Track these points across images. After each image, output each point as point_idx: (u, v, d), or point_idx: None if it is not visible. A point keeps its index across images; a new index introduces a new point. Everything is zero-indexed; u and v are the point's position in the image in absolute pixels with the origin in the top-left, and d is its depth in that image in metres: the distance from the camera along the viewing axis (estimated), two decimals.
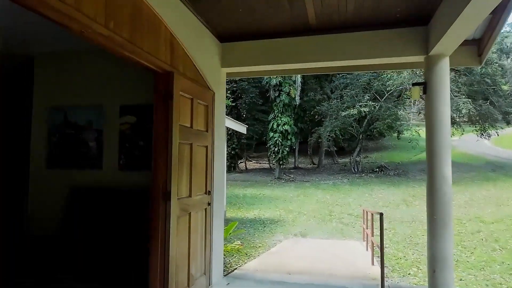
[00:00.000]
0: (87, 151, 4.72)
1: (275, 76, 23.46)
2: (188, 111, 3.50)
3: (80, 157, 4.74)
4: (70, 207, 4.55)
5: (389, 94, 21.93)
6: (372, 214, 6.13)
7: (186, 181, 3.43)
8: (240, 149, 28.05)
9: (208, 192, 3.92)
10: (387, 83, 21.21)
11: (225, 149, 12.11)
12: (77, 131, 4.78)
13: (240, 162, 29.46)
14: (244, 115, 27.35)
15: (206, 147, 3.92)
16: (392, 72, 20.78)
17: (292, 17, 3.80)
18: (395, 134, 24.34)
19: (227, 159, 25.17)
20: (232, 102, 25.86)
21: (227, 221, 10.91)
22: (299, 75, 23.08)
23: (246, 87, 26.94)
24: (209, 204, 3.93)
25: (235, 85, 26.89)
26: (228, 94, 25.95)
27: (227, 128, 13.61)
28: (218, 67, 4.39)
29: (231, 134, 25.47)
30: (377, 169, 22.91)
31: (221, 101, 4.44)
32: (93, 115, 4.74)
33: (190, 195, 3.49)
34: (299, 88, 23.84)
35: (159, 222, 3.08)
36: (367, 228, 7.19)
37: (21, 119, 5.20)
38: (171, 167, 3.11)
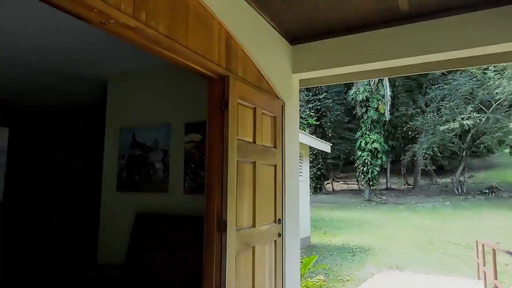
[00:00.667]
0: (154, 173, 4.45)
1: (361, 92, 22.11)
2: (250, 123, 2.93)
3: (147, 179, 4.48)
4: (136, 235, 4.27)
5: (497, 104, 19.03)
6: (493, 250, 4.81)
7: (248, 208, 2.83)
8: (326, 169, 26.86)
9: (278, 221, 3.26)
10: (495, 91, 18.44)
11: (307, 169, 11.35)
12: (144, 152, 4.55)
13: (327, 183, 28.16)
14: (329, 134, 26.26)
15: (275, 166, 3.30)
16: (500, 78, 18.03)
17: (378, 1, 3.05)
18: (507, 150, 20.96)
19: (312, 180, 24.22)
20: (316, 120, 25.03)
21: (310, 248, 10.05)
22: (388, 89, 21.41)
23: (331, 104, 25.95)
24: (279, 235, 3.26)
25: (318, 103, 26.09)
26: (312, 113, 25.21)
27: (310, 147, 12.87)
28: (288, 73, 3.79)
29: (316, 154, 24.54)
30: (487, 190, 19.83)
31: (293, 113, 3.81)
32: (160, 134, 4.48)
33: (253, 225, 2.87)
34: (389, 103, 22.09)
35: (214, 257, 2.50)
36: (484, 266, 5.77)
37: (97, 142, 5.21)
38: (227, 190, 2.54)
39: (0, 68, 4.69)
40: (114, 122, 4.91)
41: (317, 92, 26.47)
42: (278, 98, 3.50)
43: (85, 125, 6.54)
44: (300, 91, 4.45)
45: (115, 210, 4.69)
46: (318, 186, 26.64)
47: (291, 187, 3.63)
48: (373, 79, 22.44)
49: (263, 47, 3.32)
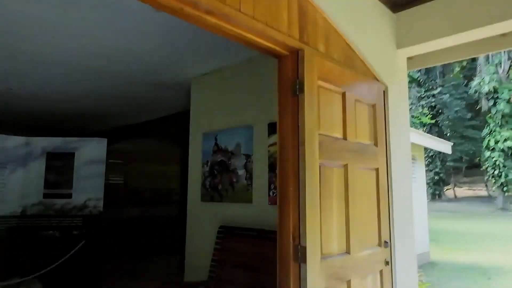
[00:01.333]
0: (237, 180, 3.96)
1: (487, 82, 18.95)
2: (338, 113, 2.18)
3: (230, 188, 4.01)
4: (219, 249, 3.82)
5: None
6: None
7: (339, 228, 2.07)
8: (445, 173, 23.71)
9: (385, 244, 2.42)
10: None
11: (422, 174, 9.77)
12: (227, 158, 4.11)
13: (447, 189, 24.85)
14: (447, 134, 23.16)
15: (376, 170, 2.47)
16: None
17: None
18: None
19: (429, 186, 21.50)
20: (432, 119, 22.28)
21: (430, 266, 8.52)
22: None
23: (448, 100, 22.90)
24: (387, 263, 2.41)
25: (433, 100, 23.27)
26: (425, 111, 22.56)
27: (425, 149, 11.15)
28: (390, 48, 2.91)
29: (432, 156, 21.82)
30: None
31: (400, 100, 2.92)
32: (242, 137, 3.98)
33: (347, 251, 2.11)
34: None
35: None
36: None
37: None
38: (306, 204, 1.85)
39: (88, 79, 4.79)
40: (197, 127, 4.60)
41: (430, 87, 23.64)
42: (378, 80, 2.66)
43: (175, 133, 6.48)
44: (409, 86, 3.49)
45: (200, 222, 4.34)
46: (437, 192, 23.63)
47: (401, 197, 2.73)
48: (502, 66, 19.02)
49: (354, 15, 2.54)
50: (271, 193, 3.59)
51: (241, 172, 3.92)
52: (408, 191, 2.87)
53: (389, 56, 2.87)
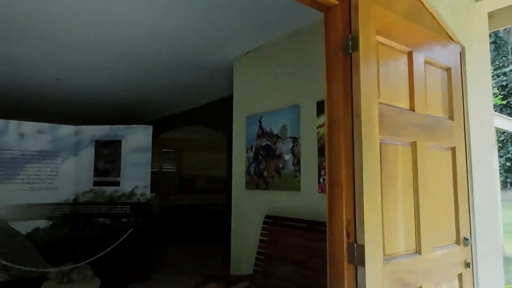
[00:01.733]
0: (283, 166, 3.60)
1: None
2: (403, 77, 1.74)
3: (276, 174, 3.67)
4: (264, 241, 3.51)
5: None
6: None
7: (406, 221, 1.65)
8: None
9: (464, 241, 1.94)
10: None
11: (495, 159, 8.72)
12: (272, 142, 3.76)
13: None
14: None
15: (452, 150, 1.98)
16: None
17: None
18: None
19: (500, 173, 19.57)
20: (503, 99, 20.19)
21: (506, 262, 7.60)
22: None
23: None
24: (467, 265, 1.94)
25: (504, 78, 21.05)
26: (495, 91, 20.46)
27: (497, 131, 9.96)
28: (468, 1, 2.36)
29: (504, 141, 19.82)
30: None
31: (481, 64, 2.37)
32: (288, 118, 3.61)
33: (417, 251, 1.67)
34: None
35: None
36: None
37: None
38: (362, 191, 1.45)
39: (132, 66, 4.67)
40: (240, 110, 4.29)
41: (501, 64, 21.35)
42: (452, 40, 2.15)
43: (222, 119, 6.25)
44: None
45: (245, 211, 4.06)
46: (508, 180, 21.48)
47: (483, 182, 2.21)
48: None
49: None
50: (321, 180, 3.19)
51: (288, 157, 3.56)
52: (492, 176, 2.34)
53: (466, 10, 2.32)
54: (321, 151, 3.22)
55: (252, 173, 3.96)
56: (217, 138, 10.25)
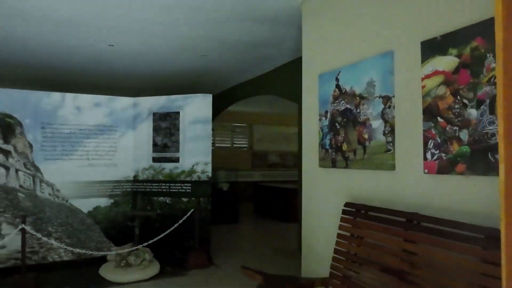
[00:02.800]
0: (369, 136, 2.65)
1: None
2: None
3: (359, 147, 2.74)
4: (344, 237, 2.64)
5: None
6: None
7: None
8: None
9: None
10: None
11: None
12: (353, 104, 2.81)
13: None
14: None
15: None
16: None
17: None
18: None
19: None
20: None
21: None
22: None
23: None
24: None
25: None
26: None
27: None
28: None
29: None
30: None
31: None
32: (376, 71, 2.61)
33: None
34: None
35: None
36: None
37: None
38: None
39: (186, 26, 3.99)
40: (311, 67, 3.38)
41: None
42: None
43: (292, 85, 5.35)
44: None
45: (319, 195, 3.21)
46: None
47: None
48: None
49: None
50: (428, 155, 2.19)
51: (377, 123, 2.59)
52: None
53: None
54: (428, 113, 2.21)
55: (327, 147, 3.06)
56: (289, 108, 9.41)
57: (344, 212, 2.67)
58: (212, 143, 11.64)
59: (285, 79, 5.49)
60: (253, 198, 9.42)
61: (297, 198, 7.65)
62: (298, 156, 5.19)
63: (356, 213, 2.57)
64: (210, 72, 6.14)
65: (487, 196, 1.90)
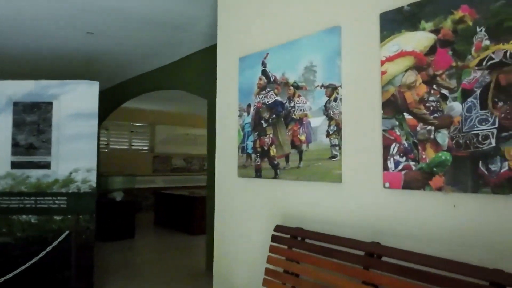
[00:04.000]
0: (309, 138, 2.03)
1: None
2: None
3: (295, 153, 2.10)
4: (277, 275, 1.96)
5: None
6: None
7: None
8: None
9: None
10: None
11: None
12: (285, 96, 2.17)
13: None
14: None
15: None
16: None
17: None
18: None
19: None
20: None
21: None
22: None
23: None
24: None
25: None
26: None
27: None
28: None
29: None
30: None
31: None
32: (318, 53, 2.00)
33: None
34: None
35: None
36: None
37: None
38: None
39: None
40: (229, 48, 2.66)
41: None
42: None
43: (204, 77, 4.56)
44: None
45: (237, 213, 2.50)
46: None
47: None
48: None
49: None
50: (391, 164, 1.63)
51: (318, 121, 1.97)
52: None
53: None
54: (389, 108, 1.65)
55: (250, 151, 2.36)
56: (198, 107, 8.57)
57: (274, 238, 1.98)
58: (105, 144, 10.20)
59: (196, 71, 4.67)
60: (154, 207, 8.33)
61: (205, 207, 6.86)
62: (208, 160, 4.42)
63: (291, 240, 1.91)
64: (100, 58, 5.00)
65: (476, 221, 1.39)
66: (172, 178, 10.61)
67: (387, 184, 1.64)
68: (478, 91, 1.39)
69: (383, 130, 1.67)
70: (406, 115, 1.59)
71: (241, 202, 2.43)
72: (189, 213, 6.83)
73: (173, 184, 10.26)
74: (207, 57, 4.31)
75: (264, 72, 2.30)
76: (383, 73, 1.68)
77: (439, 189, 1.47)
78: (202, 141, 11.62)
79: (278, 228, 1.99)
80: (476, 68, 1.40)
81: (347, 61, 1.86)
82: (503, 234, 1.32)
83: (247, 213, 2.38)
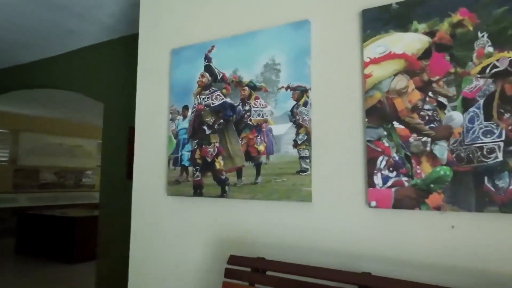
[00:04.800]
0: (270, 147, 1.70)
1: None
2: None
3: (249, 166, 1.75)
4: None
5: None
6: None
7: None
8: None
9: None
10: None
11: None
12: (236, 98, 1.81)
13: None
14: None
15: None
16: None
17: None
18: None
19: None
20: None
21: None
22: None
23: None
24: None
25: None
26: None
27: None
28: None
29: None
30: None
31: None
32: (281, 49, 1.71)
33: None
34: None
35: None
36: None
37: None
38: None
39: None
40: (157, 38, 2.18)
41: None
42: None
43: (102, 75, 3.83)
44: None
45: (168, 246, 2.00)
46: None
47: None
48: None
49: None
50: (377, 180, 1.42)
51: (282, 128, 1.67)
52: None
53: None
54: (375, 116, 1.45)
55: (186, 163, 1.91)
56: (78, 113, 7.44)
57: (228, 273, 1.58)
58: None
59: (88, 69, 3.89)
60: (16, 232, 6.79)
61: (87, 230, 5.83)
62: (101, 175, 3.68)
63: (252, 275, 1.54)
64: None
65: (479, 244, 1.25)
66: (39, 196, 8.95)
67: (373, 203, 1.42)
68: (481, 101, 1.28)
69: (368, 141, 1.46)
70: (396, 124, 1.41)
71: (170, 228, 1.95)
72: (68, 237, 5.72)
73: (42, 202, 8.66)
74: (105, 52, 3.64)
75: (208, 68, 1.90)
76: (366, 76, 1.48)
77: (438, 208, 1.31)
78: (78, 152, 10.18)
79: (233, 259, 1.60)
80: (479, 76, 1.29)
81: (320, 60, 1.61)
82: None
83: (179, 240, 1.91)
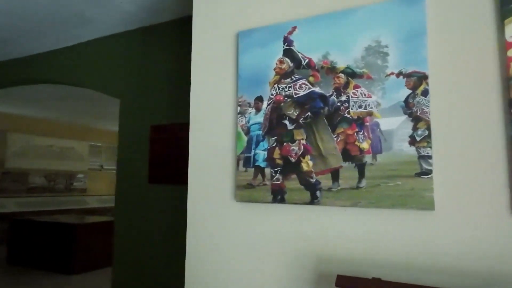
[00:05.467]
0: (374, 145, 1.43)
1: None
2: None
3: (350, 167, 1.47)
4: None
5: None
6: None
7: None
8: None
9: None
10: None
11: None
12: (329, 87, 1.54)
13: None
14: None
15: None
16: None
17: None
18: None
19: None
20: None
21: None
22: None
23: None
24: None
25: None
26: None
27: None
28: None
29: None
30: None
31: None
32: (388, 28, 1.45)
33: None
34: None
35: None
36: None
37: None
38: None
39: None
40: (218, 19, 1.88)
41: None
42: None
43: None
44: None
45: (240, 262, 1.70)
46: None
47: None
48: None
49: None
50: None
51: (393, 122, 1.40)
52: None
53: None
54: None
55: (263, 164, 1.62)
56: (72, 112, 7.03)
57: None
58: None
59: (103, 63, 3.53)
60: (7, 240, 6.29)
61: (89, 238, 5.40)
62: (117, 176, 3.32)
63: None
64: None
65: None
66: (28, 201, 8.42)
67: None
68: None
69: None
70: None
71: (239, 240, 1.65)
72: (67, 246, 5.29)
73: (30, 207, 8.14)
74: (122, 44, 3.31)
75: (289, 53, 1.62)
76: (510, 59, 1.23)
77: None
78: (69, 154, 9.66)
79: (341, 280, 1.31)
80: None
81: (442, 40, 1.36)
82: None
83: (251, 256, 1.61)
